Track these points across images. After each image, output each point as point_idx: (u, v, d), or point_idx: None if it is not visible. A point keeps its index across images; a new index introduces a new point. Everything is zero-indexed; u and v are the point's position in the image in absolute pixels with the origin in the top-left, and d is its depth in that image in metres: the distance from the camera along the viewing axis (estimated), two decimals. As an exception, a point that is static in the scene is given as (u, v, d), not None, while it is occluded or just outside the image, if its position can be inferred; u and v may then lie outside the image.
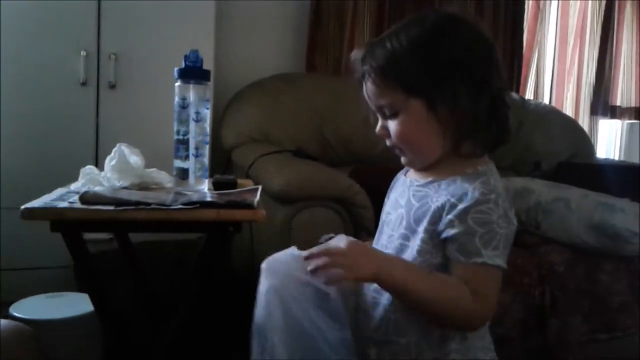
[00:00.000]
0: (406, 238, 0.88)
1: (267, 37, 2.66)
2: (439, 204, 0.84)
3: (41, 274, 1.95)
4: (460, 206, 0.82)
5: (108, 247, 1.82)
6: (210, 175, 1.39)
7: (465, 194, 0.82)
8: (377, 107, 0.90)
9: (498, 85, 0.86)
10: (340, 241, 0.83)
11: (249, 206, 1.12)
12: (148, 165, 1.33)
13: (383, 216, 0.99)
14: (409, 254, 0.87)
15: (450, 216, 0.82)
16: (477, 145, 0.87)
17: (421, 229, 0.86)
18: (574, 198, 2.11)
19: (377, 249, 0.92)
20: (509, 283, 1.87)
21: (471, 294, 0.80)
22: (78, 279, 1.74)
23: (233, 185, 1.31)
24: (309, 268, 0.80)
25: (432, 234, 0.85)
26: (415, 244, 0.86)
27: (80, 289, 1.70)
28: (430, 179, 0.90)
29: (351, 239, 0.83)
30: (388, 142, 0.91)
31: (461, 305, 0.81)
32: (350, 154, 2.42)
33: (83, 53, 1.99)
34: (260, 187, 1.27)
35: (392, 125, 0.88)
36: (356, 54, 0.90)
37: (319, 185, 1.81)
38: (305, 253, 0.82)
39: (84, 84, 2.01)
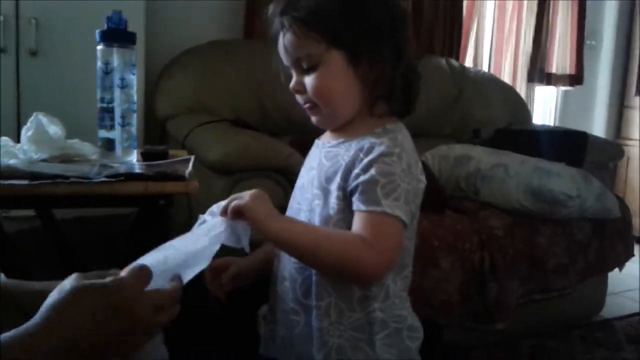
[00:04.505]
0: (319, 198, 0.88)
1: (203, 1, 2.53)
2: (348, 159, 0.86)
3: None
4: (366, 159, 0.84)
5: (33, 224, 1.71)
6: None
7: (372, 147, 0.84)
8: (295, 61, 0.88)
9: (411, 54, 0.89)
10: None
11: (180, 178, 1.06)
12: (73, 136, 1.25)
13: (297, 182, 0.98)
14: (324, 214, 0.87)
15: (357, 170, 0.84)
16: (390, 108, 0.89)
17: (334, 187, 0.86)
18: (512, 164, 2.14)
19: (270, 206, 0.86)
20: (450, 249, 1.89)
21: (367, 243, 0.80)
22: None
23: (164, 155, 1.24)
24: (221, 210, 0.81)
25: (344, 191, 0.85)
26: (330, 202, 0.87)
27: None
28: (341, 139, 0.91)
29: (256, 191, 0.83)
30: (301, 99, 0.91)
31: (349, 257, 0.80)
32: (290, 123, 2.36)
33: (0, 17, 1.84)
34: (192, 157, 1.21)
35: (309, 79, 0.88)
36: (275, 7, 0.88)
37: (259, 155, 1.76)
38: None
39: (2, 50, 1.85)
